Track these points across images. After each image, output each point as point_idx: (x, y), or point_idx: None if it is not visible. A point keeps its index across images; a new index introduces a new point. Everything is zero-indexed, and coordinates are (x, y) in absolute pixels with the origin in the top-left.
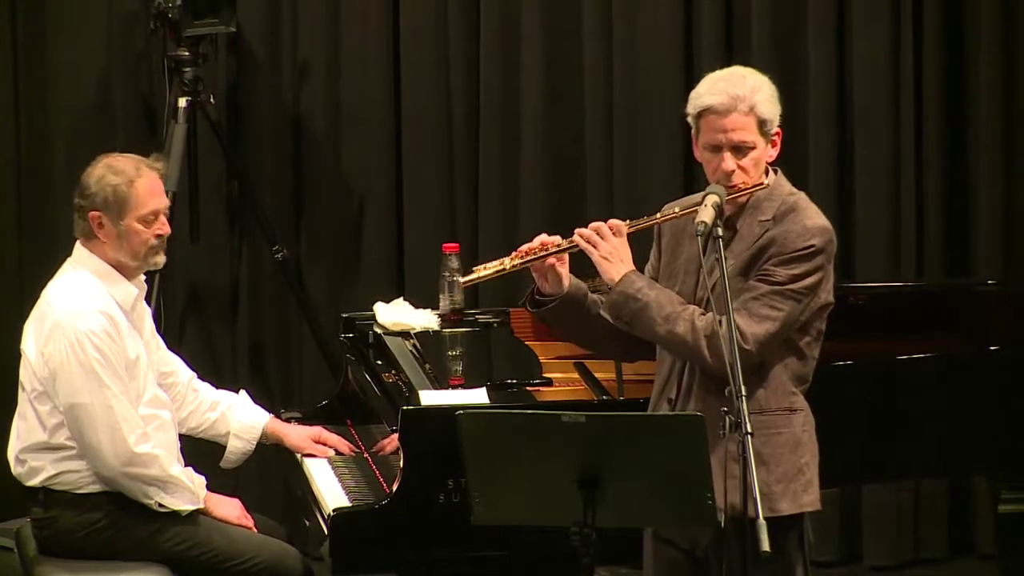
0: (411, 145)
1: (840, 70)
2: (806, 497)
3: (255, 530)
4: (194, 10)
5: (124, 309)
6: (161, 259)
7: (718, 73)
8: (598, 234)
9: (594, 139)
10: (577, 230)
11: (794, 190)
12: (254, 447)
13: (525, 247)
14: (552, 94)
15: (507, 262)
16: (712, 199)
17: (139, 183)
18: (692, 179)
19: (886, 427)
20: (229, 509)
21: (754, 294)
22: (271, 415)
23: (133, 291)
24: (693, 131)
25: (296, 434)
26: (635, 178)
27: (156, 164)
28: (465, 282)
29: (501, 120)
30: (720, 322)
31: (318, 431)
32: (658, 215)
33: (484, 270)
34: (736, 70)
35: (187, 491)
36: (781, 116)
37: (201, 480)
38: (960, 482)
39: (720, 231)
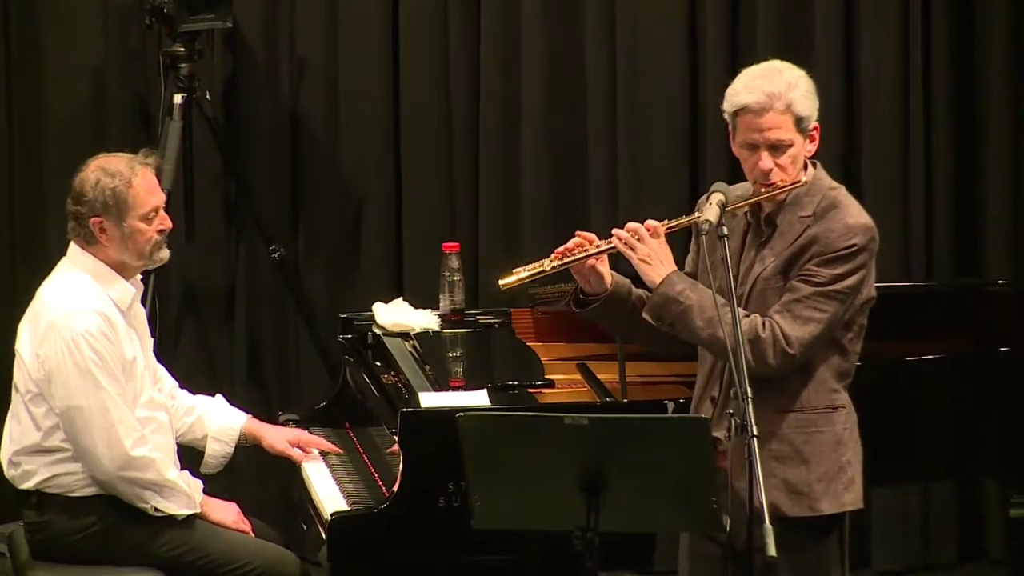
0: (410, 142)
1: (847, 68)
2: (848, 496)
3: (252, 535)
4: (190, 5)
5: (121, 309)
6: (166, 253)
7: (753, 69)
8: (636, 236)
9: (596, 138)
10: (615, 231)
11: (834, 184)
12: (233, 449)
13: (562, 248)
14: (553, 92)
15: (546, 264)
16: (717, 197)
17: (136, 182)
18: (697, 179)
19: (894, 430)
20: (226, 513)
21: (797, 295)
22: (248, 415)
23: (130, 291)
24: (729, 128)
25: (273, 435)
26: (639, 178)
27: (148, 160)
28: (504, 285)
29: (501, 117)
30: (764, 325)
31: (297, 434)
32: (696, 213)
33: (523, 271)
34: (772, 66)
35: (183, 495)
36: None
37: (198, 484)
38: (970, 485)
39: (725, 230)
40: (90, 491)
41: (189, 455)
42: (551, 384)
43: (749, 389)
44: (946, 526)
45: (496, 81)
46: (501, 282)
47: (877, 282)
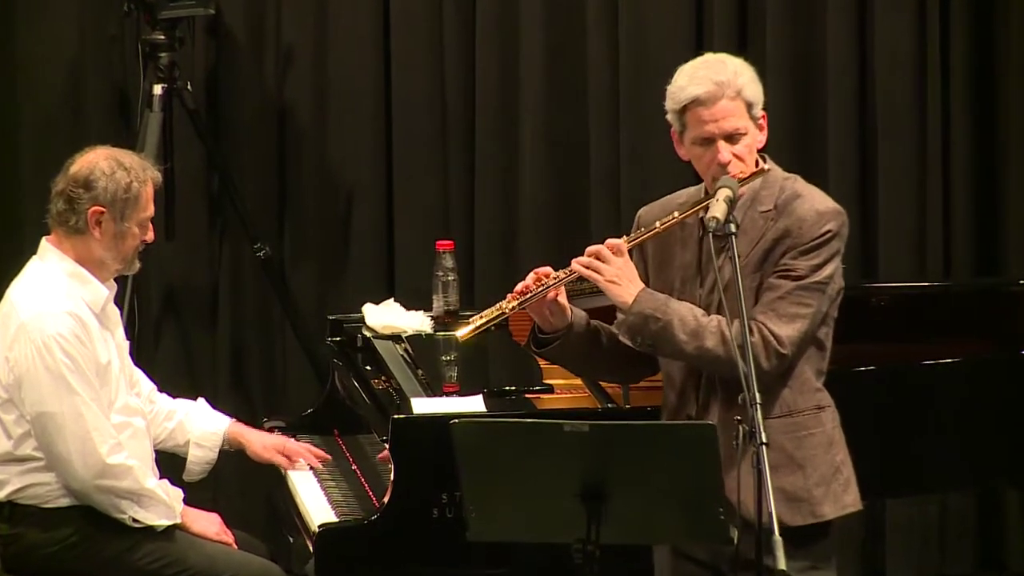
0: (402, 136)
1: (861, 60)
2: (847, 497)
3: (235, 547)
4: None
5: (94, 311)
6: (138, 265)
7: (692, 63)
8: (598, 257)
9: (598, 131)
10: (574, 260)
11: (788, 174)
12: (217, 455)
13: (520, 285)
14: (553, 82)
15: (504, 305)
16: (724, 193)
17: (149, 185)
18: None
19: (910, 436)
20: (207, 524)
21: (778, 293)
22: (232, 419)
23: (104, 292)
24: (675, 129)
25: (258, 440)
26: (643, 172)
27: (155, 168)
28: (462, 337)
29: (499, 110)
30: (750, 329)
31: (281, 441)
32: (658, 224)
33: (480, 319)
34: (711, 57)
35: (163, 505)
36: (798, 108)
37: (178, 493)
38: (988, 495)
39: (734, 227)
40: (65, 502)
41: (170, 463)
42: (550, 389)
43: (758, 395)
44: (963, 536)
45: (493, 69)
46: (458, 333)
47: (890, 282)
